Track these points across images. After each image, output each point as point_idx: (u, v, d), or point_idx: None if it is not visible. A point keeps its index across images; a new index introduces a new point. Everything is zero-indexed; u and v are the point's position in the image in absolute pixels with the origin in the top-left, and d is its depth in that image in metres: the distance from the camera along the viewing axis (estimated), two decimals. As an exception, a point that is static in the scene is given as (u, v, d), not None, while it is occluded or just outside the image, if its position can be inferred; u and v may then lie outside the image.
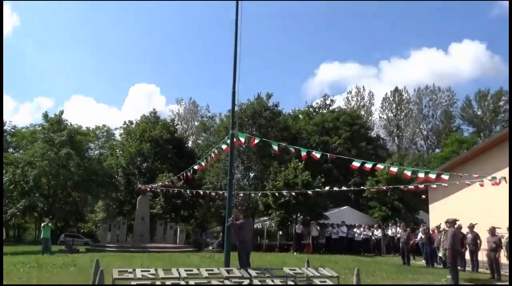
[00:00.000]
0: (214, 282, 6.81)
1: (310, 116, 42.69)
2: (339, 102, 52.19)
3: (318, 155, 11.25)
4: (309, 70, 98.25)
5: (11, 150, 41.42)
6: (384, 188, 20.43)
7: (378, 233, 23.63)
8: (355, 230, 23.08)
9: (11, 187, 29.50)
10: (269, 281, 7.15)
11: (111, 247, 21.00)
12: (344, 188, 18.58)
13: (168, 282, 6.57)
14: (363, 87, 55.89)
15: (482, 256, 13.89)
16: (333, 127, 39.04)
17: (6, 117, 49.15)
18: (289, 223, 25.63)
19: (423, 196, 18.94)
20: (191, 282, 6.71)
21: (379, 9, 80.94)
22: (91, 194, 33.71)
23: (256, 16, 78.72)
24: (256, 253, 18.16)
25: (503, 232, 12.94)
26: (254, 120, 34.34)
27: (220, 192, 24.90)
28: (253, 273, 7.41)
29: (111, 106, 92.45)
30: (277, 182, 24.92)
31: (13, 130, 43.08)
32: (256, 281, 7.10)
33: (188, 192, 24.95)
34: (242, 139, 10.58)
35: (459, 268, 11.85)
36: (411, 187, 16.33)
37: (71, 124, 35.52)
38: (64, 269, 11.24)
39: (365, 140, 39.22)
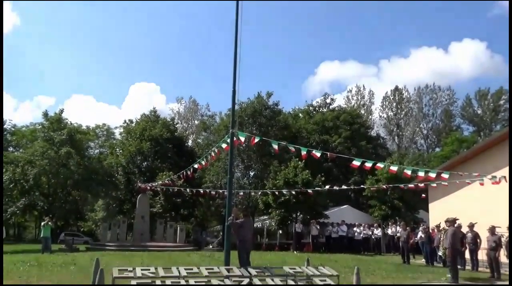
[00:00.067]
0: (214, 281, 6.81)
1: (310, 115, 42.68)
2: (339, 101, 52.25)
3: (318, 154, 11.24)
4: (309, 69, 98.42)
5: (11, 149, 41.42)
6: (384, 187, 20.43)
7: (378, 232, 23.64)
8: (355, 229, 23.09)
9: (11, 185, 29.49)
10: (269, 280, 7.15)
11: (111, 246, 21.01)
12: (344, 187, 18.59)
13: (168, 281, 6.57)
14: (363, 86, 55.93)
15: (482, 255, 13.90)
16: (333, 126, 39.04)
17: (6, 116, 49.20)
18: (289, 222, 25.65)
19: (423, 195, 18.94)
20: (191, 281, 6.71)
21: (379, 8, 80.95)
22: (91, 192, 33.71)
23: (256, 15, 78.72)
24: (256, 252, 18.17)
25: (503, 231, 12.95)
26: (254, 119, 34.33)
27: (220, 191, 24.88)
28: (253, 272, 7.41)
29: (111, 105, 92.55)
30: (277, 181, 24.93)
31: (13, 129, 43.05)
32: (256, 280, 7.10)
33: (188, 191, 24.92)
34: (242, 139, 10.57)
35: (459, 267, 11.86)
36: (411, 186, 16.31)
37: (71, 123, 35.53)
38: (64, 268, 11.25)
39: (365, 139, 39.22)
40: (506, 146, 13.95)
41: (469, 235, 14.00)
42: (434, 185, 14.27)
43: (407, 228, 17.88)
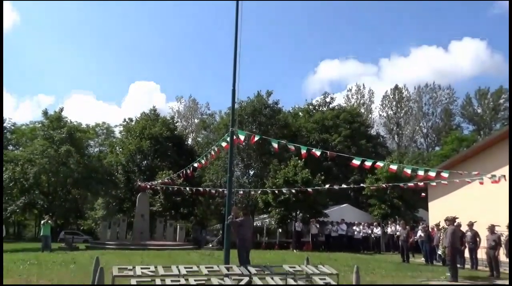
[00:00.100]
0: (213, 279, 6.81)
1: (310, 114, 42.68)
2: (339, 100, 52.24)
3: (318, 153, 11.23)
4: (309, 68, 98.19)
5: (11, 147, 41.39)
6: (384, 185, 20.45)
7: (377, 231, 23.65)
8: (354, 227, 23.10)
9: (11, 184, 29.50)
10: (268, 279, 7.15)
11: (111, 245, 21.02)
12: (344, 186, 18.60)
13: (168, 280, 6.57)
14: (363, 85, 55.96)
15: (481, 254, 13.91)
16: (333, 125, 39.04)
17: (6, 114, 49.30)
18: (288, 220, 25.66)
19: (423, 194, 18.95)
20: (191, 279, 6.71)
21: (379, 7, 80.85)
22: (91, 191, 33.73)
23: (256, 14, 78.64)
24: (256, 250, 18.18)
25: (502, 230, 12.96)
26: (254, 118, 34.34)
27: (220, 190, 24.89)
28: (252, 270, 7.41)
29: (111, 104, 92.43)
30: (277, 180, 24.93)
31: (12, 127, 43.03)
32: (255, 279, 7.10)
33: (188, 190, 24.90)
34: (242, 138, 10.56)
35: (458, 265, 11.89)
36: (410, 184, 16.32)
37: (71, 122, 35.51)
38: (64, 266, 11.25)
39: (365, 138, 39.23)
40: (506, 145, 13.96)
41: (469, 233, 14.01)
42: (434, 184, 14.29)
43: (407, 227, 17.89)
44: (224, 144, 11.24)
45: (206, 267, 7.32)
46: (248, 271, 7.36)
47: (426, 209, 20.16)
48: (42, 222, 19.91)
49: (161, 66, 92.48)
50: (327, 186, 18.52)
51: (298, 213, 24.46)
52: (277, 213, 24.53)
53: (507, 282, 10.74)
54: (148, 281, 6.65)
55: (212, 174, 33.73)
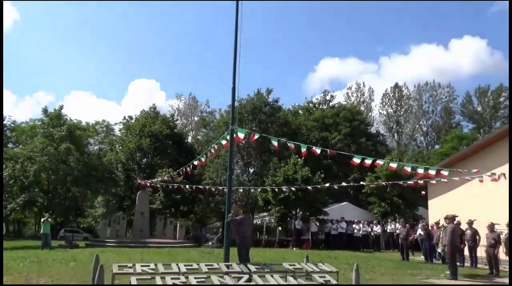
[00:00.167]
0: (213, 277, 6.81)
1: (310, 112, 42.68)
2: (339, 98, 52.15)
3: (318, 151, 11.23)
4: (309, 66, 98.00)
5: (11, 145, 41.39)
6: (384, 184, 20.45)
7: (377, 229, 23.68)
8: (354, 226, 23.12)
9: (11, 182, 29.48)
10: (268, 277, 7.14)
11: (111, 242, 21.04)
12: (343, 184, 18.61)
13: (167, 277, 6.57)
14: (363, 83, 55.96)
15: (481, 252, 13.93)
16: (333, 123, 39.05)
17: (5, 112, 49.20)
18: (288, 218, 25.69)
19: (423, 192, 18.97)
20: (191, 277, 6.71)
21: (379, 5, 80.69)
22: (91, 189, 33.74)
23: (256, 12, 78.53)
24: (256, 248, 18.20)
25: (502, 228, 12.97)
26: (254, 115, 34.33)
27: (220, 188, 24.89)
28: (252, 268, 7.41)
29: (111, 102, 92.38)
30: (277, 178, 24.94)
31: (12, 125, 43.00)
32: (255, 277, 7.10)
33: (187, 187, 24.93)
34: (242, 136, 10.54)
35: (458, 264, 11.90)
36: (410, 183, 16.33)
37: (70, 119, 35.52)
38: (64, 264, 11.27)
39: (365, 136, 39.25)
40: (506, 143, 13.96)
41: (468, 232, 14.03)
42: (434, 182, 14.29)
43: (407, 225, 17.91)
44: (224, 142, 11.24)
45: (206, 265, 7.32)
46: (248, 269, 7.36)
47: (426, 207, 20.17)
48: (42, 219, 19.92)
49: (161, 64, 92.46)
50: (327, 184, 18.53)
51: (298, 211, 24.48)
52: (277, 211, 24.54)
53: (506, 280, 10.74)
54: (148, 279, 6.65)
55: (212, 172, 33.73)
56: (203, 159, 13.76)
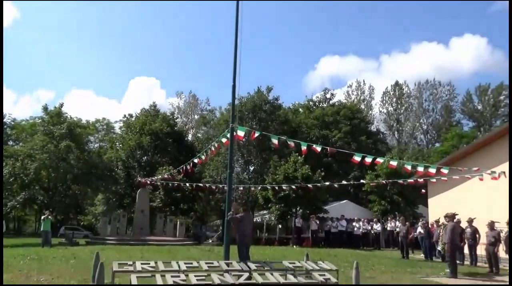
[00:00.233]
0: (213, 275, 6.81)
1: (310, 110, 42.66)
2: (339, 96, 52.21)
3: (318, 149, 11.22)
4: (310, 64, 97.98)
5: (11, 143, 41.40)
6: (384, 182, 20.44)
7: (377, 227, 23.69)
8: (354, 224, 23.12)
9: (11, 179, 29.48)
10: (268, 275, 7.15)
11: (111, 240, 21.06)
12: (343, 182, 18.60)
13: (167, 275, 6.57)
14: (364, 81, 55.99)
15: (480, 250, 13.93)
16: (333, 121, 39.02)
17: (6, 110, 49.32)
18: (288, 216, 25.69)
19: (423, 190, 18.97)
20: (191, 275, 6.71)
21: (379, 3, 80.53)
22: (91, 187, 33.73)
23: (257, 10, 78.38)
24: (256, 246, 18.23)
25: (502, 226, 12.97)
26: (254, 113, 34.30)
27: (220, 186, 24.94)
28: (252, 266, 7.41)
29: (111, 99, 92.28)
30: (277, 176, 24.93)
31: (12, 122, 43.02)
32: (255, 275, 7.10)
33: (188, 185, 24.94)
34: (242, 134, 10.53)
35: (457, 262, 11.91)
36: (410, 181, 16.33)
37: (71, 117, 35.47)
38: (64, 261, 11.28)
39: (365, 134, 39.23)
40: (506, 141, 13.94)
41: (468, 230, 14.01)
42: (434, 180, 14.29)
43: (407, 223, 17.92)
44: (224, 140, 11.22)
45: (206, 263, 7.32)
46: (248, 267, 7.36)
47: (426, 205, 20.18)
48: (42, 217, 19.93)
49: (162, 62, 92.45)
50: (327, 183, 18.54)
51: (298, 209, 24.48)
52: (277, 209, 24.54)
53: (506, 279, 10.75)
54: (148, 277, 6.65)
55: (212, 170, 33.73)
56: (203, 157, 13.75)
